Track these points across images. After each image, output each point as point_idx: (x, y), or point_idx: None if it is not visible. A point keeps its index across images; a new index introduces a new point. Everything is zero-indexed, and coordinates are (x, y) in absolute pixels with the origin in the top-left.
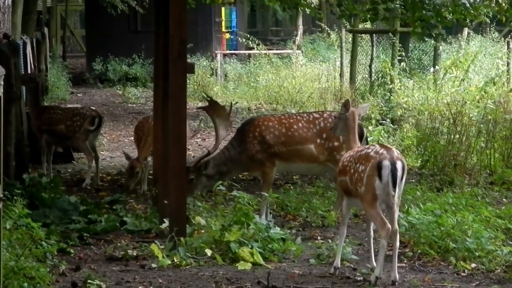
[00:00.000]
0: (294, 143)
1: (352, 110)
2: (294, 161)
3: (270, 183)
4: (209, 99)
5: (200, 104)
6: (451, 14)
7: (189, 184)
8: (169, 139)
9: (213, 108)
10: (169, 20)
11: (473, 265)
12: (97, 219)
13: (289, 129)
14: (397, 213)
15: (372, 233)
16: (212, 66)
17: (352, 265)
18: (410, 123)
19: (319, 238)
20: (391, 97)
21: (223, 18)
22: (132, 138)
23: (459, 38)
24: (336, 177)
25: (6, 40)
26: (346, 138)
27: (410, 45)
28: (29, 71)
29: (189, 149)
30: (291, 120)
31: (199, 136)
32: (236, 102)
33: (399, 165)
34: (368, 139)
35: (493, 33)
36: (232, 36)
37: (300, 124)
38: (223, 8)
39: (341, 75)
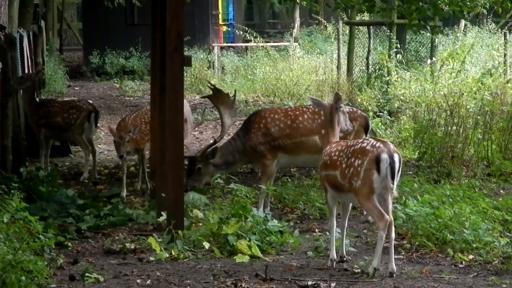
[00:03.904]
0: (299, 135)
1: (331, 104)
2: (298, 153)
3: (270, 176)
4: (212, 87)
5: (197, 97)
6: (447, 6)
7: (197, 173)
8: (166, 132)
9: (217, 96)
10: (166, 13)
11: (471, 256)
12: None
13: (294, 121)
14: (391, 204)
15: (345, 224)
16: (209, 59)
17: (350, 257)
18: (408, 115)
19: (316, 230)
20: (388, 89)
21: (220, 10)
22: None
23: (456, 29)
24: (320, 171)
25: (2, 32)
26: (327, 131)
27: (407, 37)
28: (26, 65)
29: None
30: (297, 112)
31: (196, 129)
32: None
33: (396, 158)
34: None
35: (490, 25)
36: (229, 29)
37: (305, 116)
38: (220, 1)
39: (338, 67)
